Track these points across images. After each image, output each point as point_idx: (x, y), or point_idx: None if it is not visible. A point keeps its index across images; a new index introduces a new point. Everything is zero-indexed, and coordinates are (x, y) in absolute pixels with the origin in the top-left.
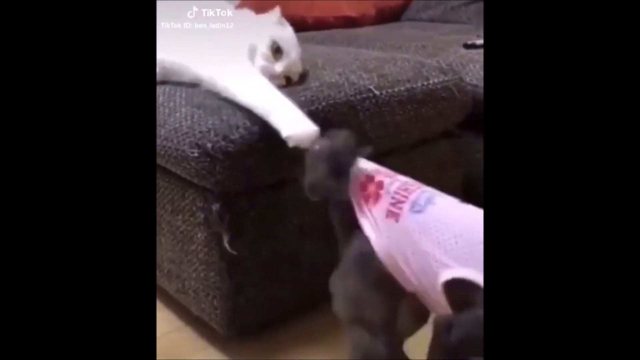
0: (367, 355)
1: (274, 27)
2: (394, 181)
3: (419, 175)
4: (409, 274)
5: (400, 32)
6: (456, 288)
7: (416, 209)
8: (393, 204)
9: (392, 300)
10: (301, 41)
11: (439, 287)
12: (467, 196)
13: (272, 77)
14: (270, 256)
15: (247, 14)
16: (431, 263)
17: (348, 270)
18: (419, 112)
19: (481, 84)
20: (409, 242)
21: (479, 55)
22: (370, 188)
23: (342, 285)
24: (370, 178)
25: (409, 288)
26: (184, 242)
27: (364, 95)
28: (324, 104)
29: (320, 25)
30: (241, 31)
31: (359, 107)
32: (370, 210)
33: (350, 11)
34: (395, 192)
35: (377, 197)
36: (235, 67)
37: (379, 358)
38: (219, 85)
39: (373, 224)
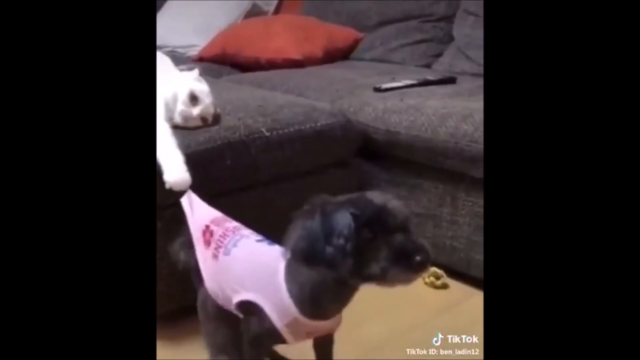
0: None
1: (192, 81)
2: (220, 229)
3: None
4: (223, 298)
5: (332, 74)
6: (243, 304)
7: (225, 252)
8: (215, 249)
9: (226, 328)
10: (244, 82)
11: (234, 306)
12: None
13: (190, 118)
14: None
15: (174, 71)
16: (230, 291)
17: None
18: (308, 148)
19: (371, 123)
20: (222, 276)
21: (378, 99)
22: (206, 235)
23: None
24: (207, 227)
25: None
26: None
27: (256, 136)
28: (219, 142)
29: (272, 65)
30: (167, 83)
31: (250, 145)
32: (205, 253)
33: (296, 55)
34: (217, 240)
35: (209, 243)
36: None
37: None
38: None
39: (207, 266)
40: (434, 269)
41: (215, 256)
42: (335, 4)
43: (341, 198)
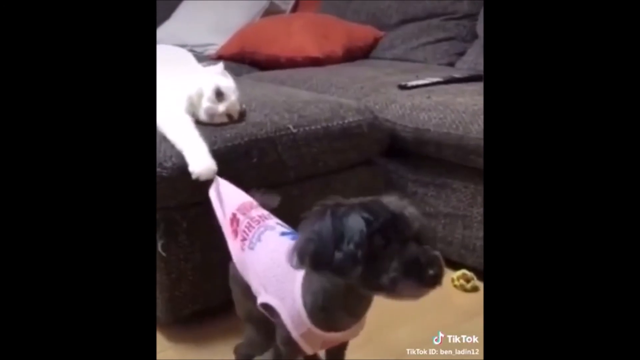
0: (250, 342)
1: (217, 76)
2: (245, 218)
3: (340, 197)
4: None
5: (354, 72)
6: (265, 305)
7: (250, 246)
8: (242, 240)
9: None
10: (265, 80)
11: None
12: None
13: (215, 115)
14: (202, 259)
15: (197, 66)
16: (255, 287)
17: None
18: (335, 145)
19: (399, 121)
20: (248, 270)
21: (404, 96)
22: (233, 224)
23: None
24: (234, 215)
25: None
26: None
27: (283, 132)
28: (246, 139)
29: (292, 64)
30: (191, 79)
31: (277, 142)
32: (234, 244)
33: (316, 53)
34: (242, 231)
35: (236, 233)
36: (170, 112)
37: (257, 345)
38: (160, 126)
39: (236, 255)
40: (463, 271)
41: (242, 248)
42: (354, 3)
43: (354, 200)
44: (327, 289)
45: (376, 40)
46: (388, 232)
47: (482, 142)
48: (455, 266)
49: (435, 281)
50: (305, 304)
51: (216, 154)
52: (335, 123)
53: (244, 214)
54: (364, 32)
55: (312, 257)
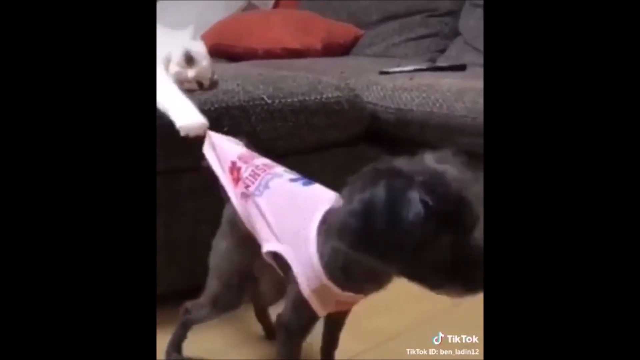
0: (215, 299)
1: (187, 40)
2: (249, 167)
3: (318, 178)
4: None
5: (333, 62)
6: (275, 256)
7: (257, 193)
8: (246, 187)
9: (247, 257)
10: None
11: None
12: None
13: (185, 81)
14: (167, 239)
15: (166, 30)
16: (260, 235)
17: (221, 228)
18: (311, 121)
19: (381, 102)
20: (253, 218)
21: (387, 79)
22: (233, 173)
23: (216, 240)
24: (233, 163)
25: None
26: None
27: (257, 102)
28: (216, 106)
29: (269, 55)
30: (160, 43)
31: (250, 112)
32: (235, 192)
33: (295, 44)
34: (246, 178)
35: (237, 181)
36: None
37: (226, 302)
38: None
39: (238, 203)
40: None
41: (245, 195)
42: (334, 3)
43: (408, 167)
44: (349, 255)
45: (356, 38)
46: (447, 221)
47: (467, 121)
48: None
49: (479, 287)
50: (321, 257)
51: None
52: (312, 97)
53: (246, 162)
54: (344, 29)
55: (353, 236)
